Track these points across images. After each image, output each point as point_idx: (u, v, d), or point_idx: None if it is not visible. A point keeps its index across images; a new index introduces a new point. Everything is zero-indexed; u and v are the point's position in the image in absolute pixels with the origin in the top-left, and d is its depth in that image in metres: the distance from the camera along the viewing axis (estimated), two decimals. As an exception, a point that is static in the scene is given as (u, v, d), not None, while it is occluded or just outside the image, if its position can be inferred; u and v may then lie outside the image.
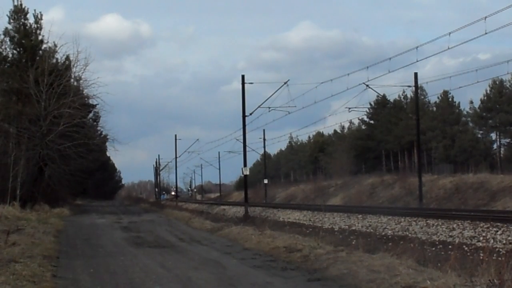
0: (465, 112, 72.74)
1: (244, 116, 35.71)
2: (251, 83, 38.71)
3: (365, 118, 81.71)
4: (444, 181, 41.62)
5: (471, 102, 71.67)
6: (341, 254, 12.05)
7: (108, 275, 11.24)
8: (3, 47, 38.80)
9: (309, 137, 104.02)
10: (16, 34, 38.78)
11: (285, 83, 35.67)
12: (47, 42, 39.59)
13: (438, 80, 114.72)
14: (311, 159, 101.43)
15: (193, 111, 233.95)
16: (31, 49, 38.57)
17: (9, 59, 39.27)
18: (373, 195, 48.38)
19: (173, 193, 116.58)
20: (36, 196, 36.43)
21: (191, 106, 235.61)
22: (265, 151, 73.29)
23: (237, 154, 70.87)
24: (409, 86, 42.07)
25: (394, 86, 65.12)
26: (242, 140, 36.80)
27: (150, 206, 62.95)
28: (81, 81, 40.93)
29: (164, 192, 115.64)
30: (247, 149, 38.41)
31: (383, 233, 20.75)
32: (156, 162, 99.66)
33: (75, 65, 39.96)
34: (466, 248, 15.39)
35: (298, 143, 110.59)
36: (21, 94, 37.69)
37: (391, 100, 72.24)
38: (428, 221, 20.92)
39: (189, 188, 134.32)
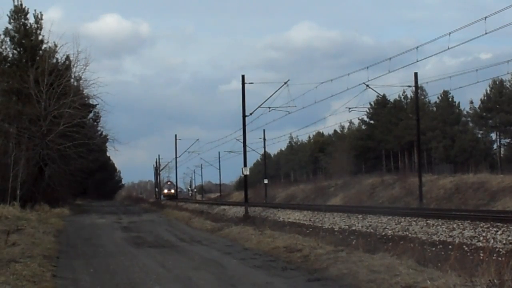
0: (465, 112, 72.82)
1: (244, 116, 35.71)
2: (251, 83, 38.75)
3: (365, 118, 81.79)
4: (444, 181, 41.61)
5: (471, 102, 71.81)
6: (341, 254, 12.04)
7: (108, 275, 11.24)
8: (3, 47, 38.89)
9: (309, 137, 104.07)
10: (16, 34, 38.81)
11: (285, 83, 35.69)
12: (47, 42, 39.71)
13: (438, 80, 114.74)
14: (311, 159, 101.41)
15: (193, 111, 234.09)
16: (31, 49, 38.59)
17: (9, 59, 39.31)
18: (373, 195, 48.37)
19: (166, 191, 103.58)
20: (36, 196, 36.39)
21: (191, 106, 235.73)
22: (265, 151, 73.31)
23: (237, 154, 70.81)
24: (409, 86, 42.08)
25: (394, 86, 65.20)
26: (242, 140, 36.83)
27: (150, 206, 62.92)
28: (81, 81, 41.03)
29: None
30: (247, 149, 38.44)
31: (383, 233, 20.75)
32: (156, 162, 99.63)
33: (75, 65, 40.08)
34: (466, 248, 15.39)
35: (298, 143, 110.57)
36: (21, 94, 37.70)
37: (391, 100, 72.27)
38: (428, 221, 20.91)
39: (189, 188, 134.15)
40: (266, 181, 69.74)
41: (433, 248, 15.67)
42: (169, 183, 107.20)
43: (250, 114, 36.79)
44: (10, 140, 34.40)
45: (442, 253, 14.38)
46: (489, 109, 68.03)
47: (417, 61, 32.30)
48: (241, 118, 35.76)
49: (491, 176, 38.90)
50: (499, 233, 16.95)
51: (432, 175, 46.21)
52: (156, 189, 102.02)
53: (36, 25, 39.33)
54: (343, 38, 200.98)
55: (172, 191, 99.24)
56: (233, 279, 10.56)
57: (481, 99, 68.94)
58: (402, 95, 76.37)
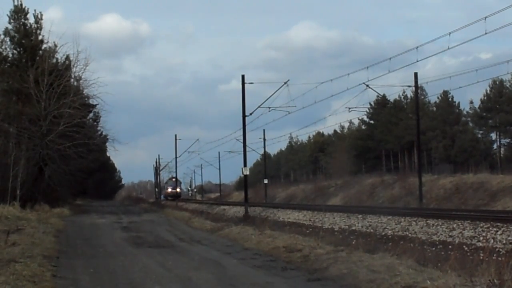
0: (465, 112, 72.88)
1: (244, 116, 35.69)
2: (251, 83, 38.64)
3: (365, 118, 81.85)
4: (444, 181, 41.60)
5: (471, 102, 71.88)
6: (341, 254, 12.05)
7: (108, 275, 11.24)
8: (3, 47, 38.81)
9: (309, 137, 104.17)
10: (16, 34, 38.76)
11: (285, 83, 35.64)
12: (47, 42, 39.62)
13: (438, 80, 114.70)
14: (311, 159, 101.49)
15: (193, 111, 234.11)
16: (31, 49, 38.55)
17: (9, 59, 39.25)
18: (373, 195, 48.35)
19: (169, 189, 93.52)
20: (36, 196, 36.38)
21: (191, 106, 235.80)
22: (265, 151, 73.32)
23: (237, 154, 70.75)
24: (409, 86, 42.09)
25: (394, 86, 65.18)
26: (242, 140, 36.79)
27: (150, 206, 62.92)
28: (81, 81, 40.97)
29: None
30: (247, 149, 38.40)
31: (383, 233, 20.75)
32: (156, 162, 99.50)
33: (75, 65, 40.01)
34: (466, 248, 15.39)
35: (298, 143, 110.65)
36: (21, 94, 37.69)
37: (391, 100, 72.31)
38: (428, 221, 20.92)
39: (189, 188, 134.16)
40: (266, 181, 69.78)
41: (433, 248, 15.66)
42: (173, 179, 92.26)
43: (250, 114, 36.79)
44: (10, 140, 34.38)
45: (442, 253, 14.37)
46: (489, 109, 68.06)
47: (417, 61, 32.41)
48: (241, 118, 35.76)
49: (491, 176, 38.88)
50: (499, 233, 16.96)
51: (432, 175, 46.19)
52: (156, 189, 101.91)
53: (36, 25, 39.28)
54: (343, 38, 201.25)
55: (178, 190, 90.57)
56: (233, 279, 10.56)
57: (481, 99, 69.01)
58: (402, 95, 76.54)
